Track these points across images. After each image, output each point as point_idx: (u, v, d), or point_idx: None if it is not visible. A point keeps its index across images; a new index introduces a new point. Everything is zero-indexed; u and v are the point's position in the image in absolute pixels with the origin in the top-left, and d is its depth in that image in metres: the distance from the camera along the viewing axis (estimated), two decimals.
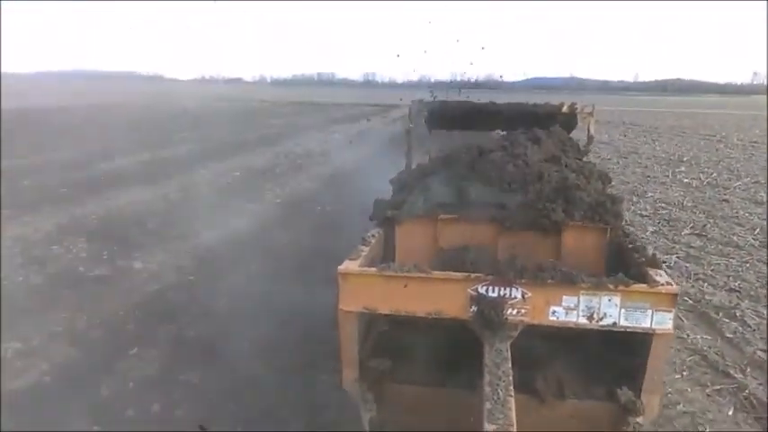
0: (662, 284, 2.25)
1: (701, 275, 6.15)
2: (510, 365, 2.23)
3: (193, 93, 60.90)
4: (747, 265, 6.54)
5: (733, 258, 6.77)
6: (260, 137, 18.99)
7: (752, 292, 5.66)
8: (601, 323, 2.29)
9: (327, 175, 12.05)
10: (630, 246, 2.78)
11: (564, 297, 2.29)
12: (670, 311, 2.24)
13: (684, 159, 15.47)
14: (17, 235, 6.87)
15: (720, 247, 7.27)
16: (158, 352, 4.07)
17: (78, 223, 7.56)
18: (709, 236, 7.77)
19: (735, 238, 7.68)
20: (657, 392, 2.42)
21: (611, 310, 2.27)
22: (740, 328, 4.83)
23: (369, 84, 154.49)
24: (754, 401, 3.74)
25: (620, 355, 2.59)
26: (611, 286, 2.25)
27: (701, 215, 9.04)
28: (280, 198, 9.80)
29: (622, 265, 2.64)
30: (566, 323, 2.32)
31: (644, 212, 9.17)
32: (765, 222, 8.50)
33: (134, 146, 14.63)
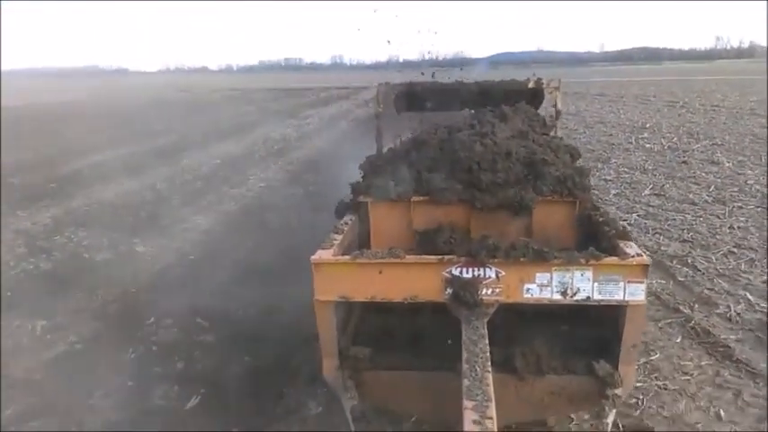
0: (633, 256, 2.28)
1: (658, 230, 6.74)
2: (487, 342, 2.26)
3: (162, 84, 60.32)
4: (701, 218, 7.14)
5: (688, 214, 7.37)
6: (235, 125, 19.23)
7: (703, 242, 6.24)
8: (575, 298, 2.32)
9: (306, 159, 12.47)
10: (601, 219, 2.78)
11: (537, 274, 2.32)
12: (642, 282, 2.27)
13: (647, 126, 16.09)
14: (17, 228, 7.20)
15: (677, 204, 7.87)
16: (174, 320, 4.49)
17: (74, 215, 7.88)
18: (667, 195, 8.38)
19: (691, 195, 8.29)
20: (633, 363, 2.48)
21: (584, 284, 2.30)
22: (691, 273, 5.40)
23: (337, 66, 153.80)
24: (699, 330, 4.30)
25: (595, 328, 2.66)
26: (582, 261, 2.29)
27: (660, 177, 9.64)
28: (263, 182, 10.20)
29: (593, 239, 2.67)
30: (540, 300, 2.36)
31: (608, 177, 9.76)
32: (720, 181, 9.17)
33: (112, 141, 14.85)
